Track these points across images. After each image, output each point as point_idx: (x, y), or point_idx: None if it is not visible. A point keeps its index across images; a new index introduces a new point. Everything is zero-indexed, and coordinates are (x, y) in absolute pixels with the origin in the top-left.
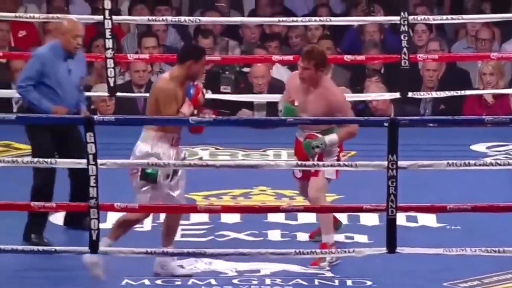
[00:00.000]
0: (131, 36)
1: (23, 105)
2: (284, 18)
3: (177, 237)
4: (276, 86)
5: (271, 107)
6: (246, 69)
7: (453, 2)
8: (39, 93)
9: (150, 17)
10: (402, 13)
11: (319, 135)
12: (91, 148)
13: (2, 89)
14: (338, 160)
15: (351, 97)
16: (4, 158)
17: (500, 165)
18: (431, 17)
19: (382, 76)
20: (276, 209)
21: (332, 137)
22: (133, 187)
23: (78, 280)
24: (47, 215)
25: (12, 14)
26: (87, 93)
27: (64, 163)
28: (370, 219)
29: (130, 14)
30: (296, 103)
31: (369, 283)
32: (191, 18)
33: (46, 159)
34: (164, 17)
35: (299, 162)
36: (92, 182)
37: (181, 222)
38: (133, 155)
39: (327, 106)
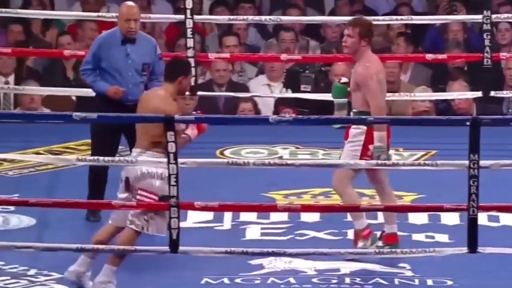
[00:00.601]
0: (213, 36)
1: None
2: (366, 17)
3: (257, 236)
4: None
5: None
6: (326, 68)
7: None
8: (97, 75)
9: (231, 17)
10: (484, 12)
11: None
12: (171, 147)
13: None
14: (364, 151)
15: (433, 96)
16: (86, 157)
17: None
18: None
19: (465, 75)
20: (356, 208)
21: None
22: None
23: (156, 279)
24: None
25: (95, 14)
26: None
27: (144, 163)
28: (451, 219)
29: (210, 14)
30: (344, 79)
31: (449, 283)
32: (272, 17)
33: (126, 158)
34: (245, 17)
35: (380, 162)
36: (172, 181)
37: (261, 221)
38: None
39: (355, 79)
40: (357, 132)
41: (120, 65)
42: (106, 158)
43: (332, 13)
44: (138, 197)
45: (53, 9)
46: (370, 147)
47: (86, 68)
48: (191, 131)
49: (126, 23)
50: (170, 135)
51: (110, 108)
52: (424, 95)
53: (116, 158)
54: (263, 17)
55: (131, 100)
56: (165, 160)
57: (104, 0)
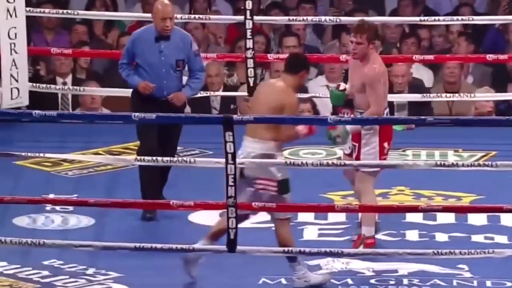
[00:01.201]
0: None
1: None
2: (425, 18)
3: (315, 237)
4: (416, 86)
5: (412, 106)
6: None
7: None
8: (131, 70)
9: (291, 17)
10: None
11: (339, 126)
12: (229, 147)
13: None
14: (380, 150)
15: (494, 96)
16: (145, 157)
17: None
18: None
19: None
20: (414, 209)
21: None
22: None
23: (214, 279)
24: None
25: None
26: (227, 93)
27: (202, 162)
28: (510, 220)
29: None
30: (342, 87)
31: (509, 284)
32: (331, 18)
33: (185, 158)
34: (304, 17)
35: (438, 162)
36: (230, 181)
37: (319, 221)
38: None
39: (361, 80)
40: (369, 133)
41: (154, 61)
42: (165, 159)
43: (393, 13)
44: (259, 186)
45: (115, 10)
46: (385, 145)
47: (122, 62)
48: (303, 128)
49: (162, 22)
50: (228, 135)
51: (144, 103)
52: (484, 96)
53: (174, 158)
54: (322, 18)
55: (166, 95)
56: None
57: None
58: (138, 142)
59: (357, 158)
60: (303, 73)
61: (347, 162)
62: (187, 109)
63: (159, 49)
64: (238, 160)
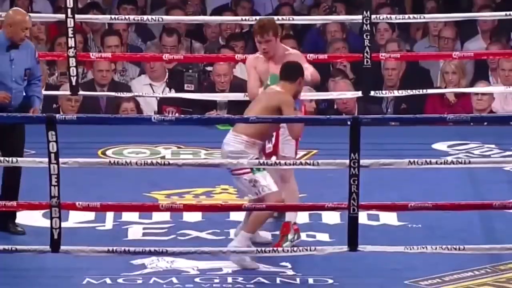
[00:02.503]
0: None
1: None
2: (247, 17)
3: (139, 236)
4: (239, 85)
5: (233, 105)
6: (209, 68)
7: (414, 2)
8: None
9: (113, 16)
10: (364, 12)
11: None
12: (52, 147)
13: None
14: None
15: (314, 95)
16: None
17: (461, 163)
18: (393, 16)
19: (347, 75)
20: (238, 208)
21: None
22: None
23: (38, 279)
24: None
25: None
26: (50, 92)
27: (25, 162)
28: (332, 218)
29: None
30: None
31: (330, 281)
32: (153, 17)
33: (7, 158)
34: (126, 16)
35: (261, 161)
36: (53, 181)
37: (143, 220)
38: (224, 155)
39: (289, 56)
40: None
41: (5, 70)
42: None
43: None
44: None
45: None
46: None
47: None
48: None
49: (23, 32)
50: (51, 135)
51: None
52: (308, 95)
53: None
54: (144, 17)
55: (13, 105)
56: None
57: None
58: None
59: (275, 146)
60: (300, 79)
61: (172, 161)
62: None
63: (9, 58)
64: (61, 160)
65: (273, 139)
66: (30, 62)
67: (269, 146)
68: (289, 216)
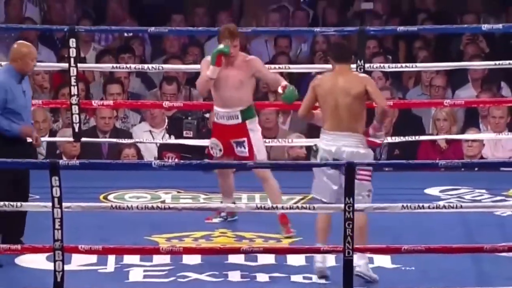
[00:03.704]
0: (97, 84)
1: None
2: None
3: (140, 278)
4: None
5: None
6: (207, 115)
7: (407, 52)
8: (6, 119)
9: (114, 65)
10: (358, 61)
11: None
12: (56, 192)
13: None
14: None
15: (309, 142)
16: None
17: (452, 208)
18: (386, 64)
19: None
20: (236, 251)
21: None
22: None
23: None
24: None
25: None
26: (53, 138)
27: (29, 207)
28: (328, 261)
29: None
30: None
31: None
32: (154, 65)
33: (12, 203)
34: (127, 65)
35: (259, 205)
36: (57, 225)
37: (144, 263)
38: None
39: (249, 68)
40: (254, 125)
41: (22, 103)
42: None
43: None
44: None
45: None
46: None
47: None
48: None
49: (32, 62)
50: (55, 180)
51: (14, 148)
52: (301, 141)
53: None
54: (145, 66)
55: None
56: None
57: None
58: None
59: (250, 152)
60: (353, 59)
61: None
62: None
63: (22, 90)
64: (64, 204)
65: (246, 144)
66: (31, 91)
67: (242, 151)
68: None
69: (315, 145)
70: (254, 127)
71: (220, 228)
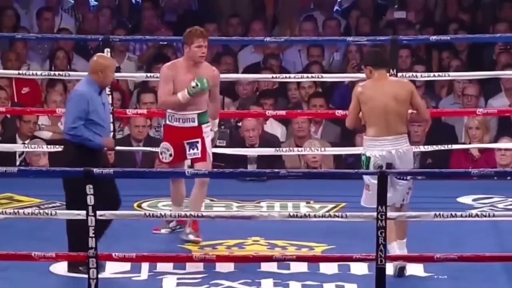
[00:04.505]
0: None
1: (69, 148)
2: (277, 75)
3: (173, 286)
4: (268, 140)
5: (262, 160)
6: (240, 123)
7: (439, 61)
8: (88, 130)
9: (148, 74)
10: (391, 71)
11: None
12: (90, 200)
13: (7, 144)
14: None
15: (343, 151)
16: (7, 210)
17: (485, 216)
18: (419, 74)
19: None
20: (269, 259)
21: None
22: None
23: None
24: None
25: (16, 72)
26: None
27: (63, 215)
28: (360, 269)
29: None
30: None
31: None
32: None
33: (46, 210)
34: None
35: (292, 213)
36: (91, 233)
37: (177, 271)
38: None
39: (214, 79)
40: (208, 128)
41: (102, 115)
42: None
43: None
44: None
45: None
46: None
47: (80, 124)
48: None
49: (112, 74)
50: (89, 188)
51: (94, 157)
52: (335, 150)
53: (36, 211)
54: None
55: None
56: None
57: (25, 58)
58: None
59: (203, 153)
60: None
61: (205, 213)
62: None
63: (102, 102)
64: (98, 212)
65: (199, 145)
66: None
67: (195, 152)
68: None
69: (364, 155)
70: (208, 132)
71: (252, 236)
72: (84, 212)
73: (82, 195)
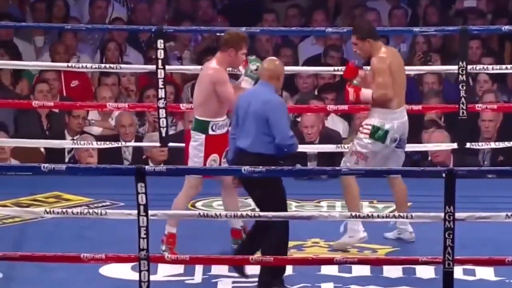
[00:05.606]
0: (187, 87)
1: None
2: (340, 68)
3: None
4: (329, 136)
5: (323, 157)
6: (299, 119)
7: None
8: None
9: (202, 66)
10: (460, 63)
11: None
12: (141, 199)
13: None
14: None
15: (409, 147)
16: (54, 209)
17: None
18: (490, 66)
19: (441, 126)
20: (329, 261)
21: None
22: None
23: None
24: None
25: (65, 64)
26: (139, 144)
27: (113, 214)
28: (426, 272)
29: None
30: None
31: None
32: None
33: (96, 210)
34: None
35: (353, 214)
36: (142, 234)
37: (233, 274)
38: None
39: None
40: (197, 144)
41: None
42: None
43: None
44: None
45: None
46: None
47: (293, 134)
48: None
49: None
50: (141, 186)
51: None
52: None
53: (85, 210)
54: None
55: None
56: None
57: (74, 50)
58: (47, 194)
59: (186, 150)
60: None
61: (261, 213)
62: None
63: None
64: (150, 212)
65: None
66: None
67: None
68: (169, 228)
69: (379, 128)
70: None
71: (312, 237)
72: (135, 211)
73: (277, 194)
